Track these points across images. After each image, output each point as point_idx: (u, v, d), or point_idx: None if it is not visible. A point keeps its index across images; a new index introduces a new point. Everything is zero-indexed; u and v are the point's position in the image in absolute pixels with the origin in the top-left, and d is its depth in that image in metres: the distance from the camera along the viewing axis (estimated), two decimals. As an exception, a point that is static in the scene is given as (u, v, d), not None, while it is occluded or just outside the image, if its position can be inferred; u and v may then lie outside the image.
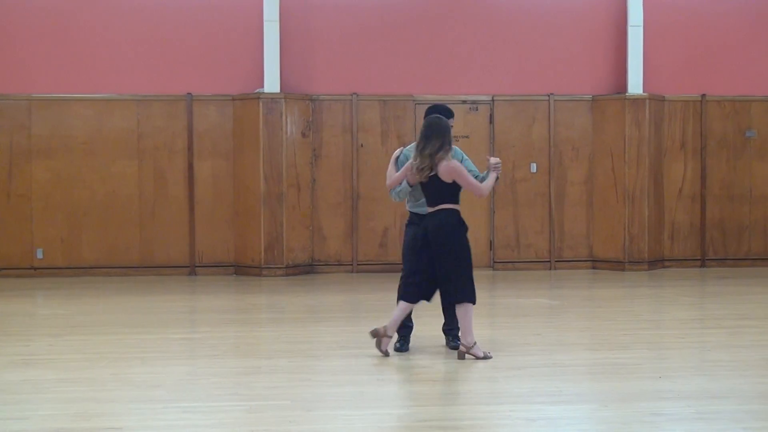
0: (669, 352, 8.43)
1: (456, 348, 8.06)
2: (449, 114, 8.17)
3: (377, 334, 7.99)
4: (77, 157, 14.20)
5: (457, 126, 14.67)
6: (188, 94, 14.31)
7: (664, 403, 6.51)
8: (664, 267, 14.97)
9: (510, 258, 14.88)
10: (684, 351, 8.46)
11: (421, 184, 7.93)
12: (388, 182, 8.18)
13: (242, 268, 14.31)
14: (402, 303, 8.06)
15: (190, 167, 14.33)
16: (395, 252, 14.55)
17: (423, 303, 8.16)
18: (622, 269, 14.60)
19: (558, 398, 6.66)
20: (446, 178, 7.81)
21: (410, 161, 7.96)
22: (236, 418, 6.15)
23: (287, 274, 14.09)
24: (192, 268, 14.35)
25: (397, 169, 8.13)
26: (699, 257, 15.12)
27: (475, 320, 8.32)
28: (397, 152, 8.29)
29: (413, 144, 8.14)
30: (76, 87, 14.21)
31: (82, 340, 9.02)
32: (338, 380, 7.21)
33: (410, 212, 8.34)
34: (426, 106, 8.51)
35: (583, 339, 9.02)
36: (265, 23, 14.14)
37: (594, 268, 14.82)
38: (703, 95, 15.02)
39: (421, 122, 8.24)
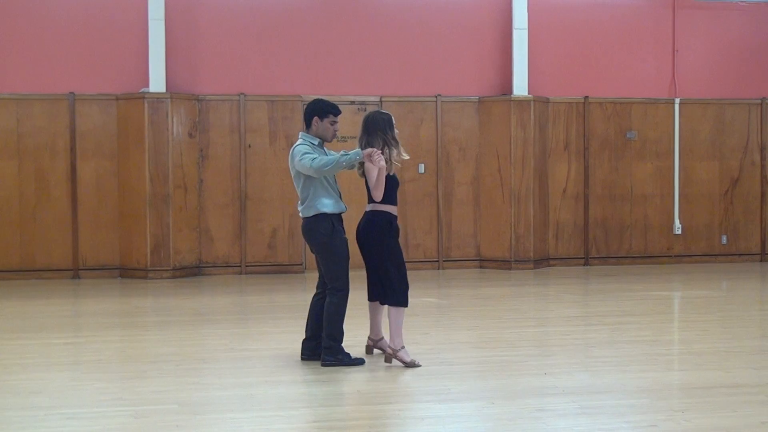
0: (554, 349, 8.58)
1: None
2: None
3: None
4: (-47, 157, 13.75)
5: (345, 126, 14.71)
6: (70, 93, 13.97)
7: (549, 399, 6.63)
8: (549, 265, 15.25)
9: (399, 258, 14.92)
10: (568, 348, 8.63)
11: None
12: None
13: (128, 271, 14.04)
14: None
15: (73, 168, 13.99)
16: (284, 253, 14.48)
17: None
18: (508, 268, 14.82)
19: (446, 396, 6.72)
20: None
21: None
22: (122, 424, 6.03)
23: (174, 277, 13.89)
24: (75, 271, 14.02)
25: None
26: (582, 256, 15.45)
27: (361, 320, 8.35)
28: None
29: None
30: (-48, 85, 13.77)
31: (-41, 347, 8.73)
32: (226, 383, 7.14)
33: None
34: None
35: (470, 337, 9.11)
36: (149, 21, 13.90)
37: (481, 267, 15.01)
38: (586, 97, 15.36)
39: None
